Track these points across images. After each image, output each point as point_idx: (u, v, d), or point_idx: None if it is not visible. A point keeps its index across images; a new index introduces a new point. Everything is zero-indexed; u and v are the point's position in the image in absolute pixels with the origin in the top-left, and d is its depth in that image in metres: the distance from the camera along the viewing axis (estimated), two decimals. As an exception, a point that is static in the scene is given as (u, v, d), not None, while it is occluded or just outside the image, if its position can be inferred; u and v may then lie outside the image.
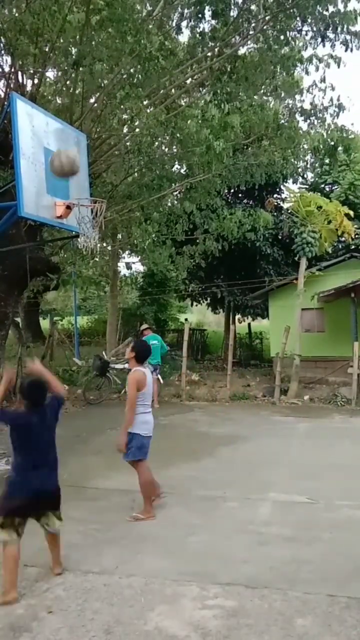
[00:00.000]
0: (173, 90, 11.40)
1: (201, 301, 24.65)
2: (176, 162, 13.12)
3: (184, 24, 11.18)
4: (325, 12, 10.04)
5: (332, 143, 12.28)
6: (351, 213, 15.70)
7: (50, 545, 4.45)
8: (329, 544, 5.01)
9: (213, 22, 10.88)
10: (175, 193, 14.49)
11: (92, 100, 10.80)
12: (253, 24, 10.55)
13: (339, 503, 6.12)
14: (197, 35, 11.29)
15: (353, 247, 18.28)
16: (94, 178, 10.79)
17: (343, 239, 17.46)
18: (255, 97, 12.14)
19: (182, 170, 13.77)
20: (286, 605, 3.89)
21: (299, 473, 7.40)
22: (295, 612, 3.79)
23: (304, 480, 7.03)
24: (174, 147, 12.15)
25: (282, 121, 12.02)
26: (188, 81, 11.73)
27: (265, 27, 10.53)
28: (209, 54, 11.41)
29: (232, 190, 20.14)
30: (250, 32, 10.74)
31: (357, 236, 17.09)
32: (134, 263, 20.06)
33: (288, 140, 11.96)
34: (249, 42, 11.16)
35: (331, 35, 10.30)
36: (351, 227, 15.24)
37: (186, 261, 15.95)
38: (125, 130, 11.28)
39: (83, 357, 17.77)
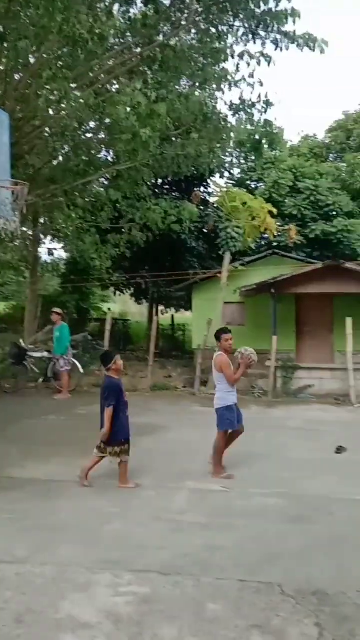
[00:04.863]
0: (102, 75, 11.21)
1: (125, 291, 24.51)
2: (103, 149, 12.93)
3: (115, 7, 11.00)
4: (257, 10, 10.18)
5: (257, 137, 12.53)
6: (274, 211, 16.11)
7: None
8: (242, 531, 5.12)
9: (144, 8, 10.78)
10: (101, 180, 14.29)
11: (16, 78, 10.44)
12: (185, 15, 10.54)
13: (252, 491, 6.27)
14: (128, 21, 11.15)
15: (275, 244, 18.75)
16: (15, 160, 10.43)
17: (266, 235, 17.91)
18: (183, 87, 12.16)
19: (109, 158, 13.60)
20: (198, 591, 3.94)
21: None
22: (207, 597, 3.84)
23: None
24: (101, 133, 11.96)
25: (209, 113, 12.10)
26: (118, 67, 11.57)
27: (197, 19, 10.55)
28: (141, 41, 11.30)
29: (159, 181, 20.13)
30: (182, 23, 10.73)
31: (279, 234, 17.56)
32: (56, 249, 19.65)
33: (215, 132, 12.06)
34: (180, 32, 11.15)
35: (262, 33, 10.47)
36: (274, 225, 15.64)
37: (111, 250, 15.79)
38: (51, 112, 10.97)
39: (-1, 344, 17.20)
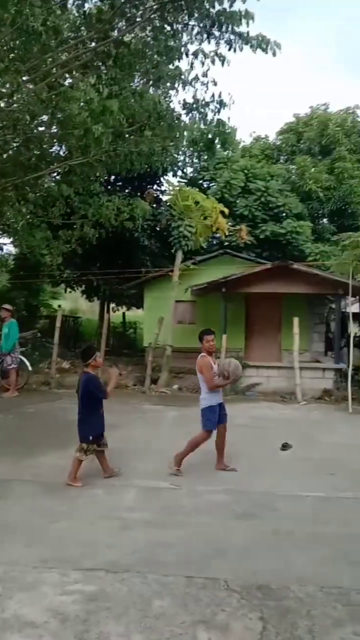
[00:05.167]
0: (55, 69, 11.04)
1: (76, 288, 24.23)
2: (55, 143, 12.73)
3: (70, 0, 10.86)
4: (211, 9, 10.23)
5: (210, 136, 12.58)
6: (226, 211, 16.29)
7: None
8: (189, 528, 5.18)
9: (99, 3, 10.69)
10: (53, 175, 14.08)
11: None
12: (141, 11, 10.50)
13: (200, 488, 6.35)
14: (82, 15, 11.02)
15: (226, 244, 18.95)
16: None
17: (218, 235, 18.07)
18: (137, 84, 12.11)
19: (61, 152, 13.41)
20: (145, 588, 3.97)
21: (165, 460, 7.53)
22: (153, 594, 3.88)
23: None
24: (54, 127, 11.77)
25: (163, 111, 12.09)
26: (72, 61, 11.42)
27: (152, 16, 10.53)
28: (95, 36, 11.18)
29: (112, 178, 20.01)
30: (138, 19, 10.68)
31: (230, 234, 17.77)
32: (5, 244, 19.24)
33: (168, 130, 12.06)
34: (135, 29, 11.10)
35: (216, 33, 10.53)
36: (225, 225, 15.82)
37: (62, 246, 15.59)
38: (2, 105, 10.73)
39: None
